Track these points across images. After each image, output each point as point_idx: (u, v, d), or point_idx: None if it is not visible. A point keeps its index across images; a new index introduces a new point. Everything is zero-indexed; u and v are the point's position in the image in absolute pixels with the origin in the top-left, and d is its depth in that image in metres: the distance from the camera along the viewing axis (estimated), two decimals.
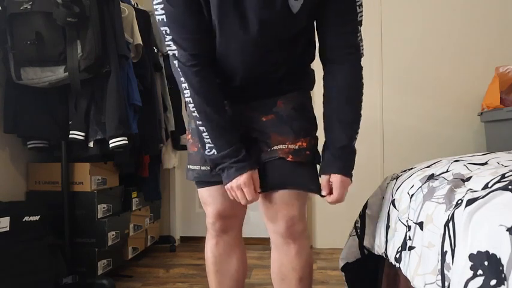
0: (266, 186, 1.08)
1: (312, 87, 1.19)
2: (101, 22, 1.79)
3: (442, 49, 2.67)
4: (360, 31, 1.05)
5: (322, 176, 1.09)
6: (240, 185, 1.03)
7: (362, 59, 1.07)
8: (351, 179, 1.09)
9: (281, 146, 1.06)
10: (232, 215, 1.20)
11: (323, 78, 1.11)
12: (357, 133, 1.08)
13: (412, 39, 2.69)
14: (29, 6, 1.69)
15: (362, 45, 1.06)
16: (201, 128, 1.04)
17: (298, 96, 1.12)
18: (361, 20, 1.04)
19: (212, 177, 1.13)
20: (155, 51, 2.35)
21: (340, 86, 1.06)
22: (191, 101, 1.03)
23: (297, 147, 1.07)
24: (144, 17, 2.28)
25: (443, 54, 2.66)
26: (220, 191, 1.14)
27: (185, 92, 1.03)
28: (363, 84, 1.08)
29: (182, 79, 1.02)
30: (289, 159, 1.06)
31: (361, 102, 1.08)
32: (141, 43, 2.10)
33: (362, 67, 1.08)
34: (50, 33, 1.71)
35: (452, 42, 2.66)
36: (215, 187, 1.15)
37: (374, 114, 2.66)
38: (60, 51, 1.72)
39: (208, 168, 1.11)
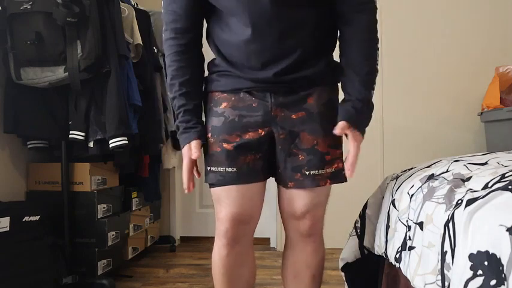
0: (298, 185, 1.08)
1: (338, 80, 1.14)
2: (100, 22, 1.79)
3: (442, 49, 2.67)
4: None
5: (340, 122, 1.04)
6: (186, 153, 1.07)
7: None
8: (363, 136, 1.08)
9: (320, 171, 1.06)
10: (247, 220, 1.12)
11: (340, 34, 1.08)
12: (375, 84, 1.07)
13: (412, 39, 2.69)
14: (29, 6, 1.69)
15: None
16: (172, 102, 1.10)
17: (328, 91, 1.10)
18: None
19: (238, 179, 1.07)
20: (155, 51, 2.35)
21: (358, 40, 1.04)
22: (168, 67, 1.09)
23: (334, 170, 1.08)
24: (144, 17, 2.28)
25: (443, 54, 2.66)
26: (241, 191, 1.08)
27: (166, 60, 1.10)
28: (378, 38, 1.07)
29: (165, 46, 1.09)
30: (327, 184, 1.08)
31: (378, 55, 1.07)
32: (141, 43, 2.10)
33: (377, 20, 1.06)
34: (50, 33, 1.71)
35: (452, 42, 2.66)
36: (237, 186, 1.08)
37: (374, 114, 2.65)
38: (60, 51, 1.72)
39: (235, 169, 1.06)
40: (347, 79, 1.06)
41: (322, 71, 1.07)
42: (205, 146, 1.11)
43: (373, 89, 1.07)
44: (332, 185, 1.10)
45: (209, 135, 1.10)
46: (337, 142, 1.10)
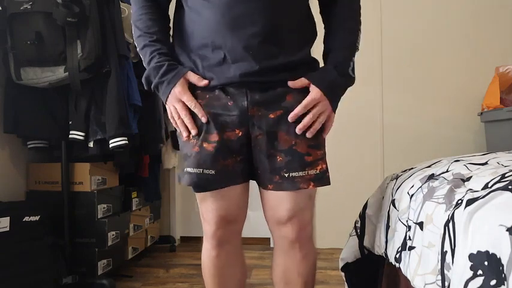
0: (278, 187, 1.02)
1: None
2: (100, 22, 1.79)
3: (442, 49, 2.67)
4: None
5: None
6: (177, 97, 0.98)
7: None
8: (334, 112, 1.03)
9: (301, 173, 0.99)
10: (234, 220, 1.09)
11: (320, 13, 1.10)
12: (353, 58, 1.04)
13: (412, 39, 2.69)
14: (29, 6, 1.69)
15: None
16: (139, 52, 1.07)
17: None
18: None
19: (216, 183, 1.01)
20: None
21: (341, 17, 1.05)
22: (135, 21, 1.06)
23: (317, 171, 1.00)
24: None
25: (443, 54, 2.66)
26: (223, 193, 1.03)
27: (132, 17, 1.08)
28: (360, 15, 1.07)
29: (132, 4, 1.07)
30: (311, 187, 1.00)
31: (359, 34, 1.06)
32: None
33: (360, 6, 1.07)
34: (50, 33, 1.71)
35: (452, 42, 2.66)
36: (218, 190, 1.03)
37: (374, 115, 2.66)
38: (60, 51, 1.72)
39: (213, 172, 0.99)
40: (327, 48, 1.06)
41: (302, 61, 1.03)
42: (180, 141, 1.06)
43: (353, 63, 1.05)
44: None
45: (190, 136, 1.03)
46: (319, 142, 1.02)
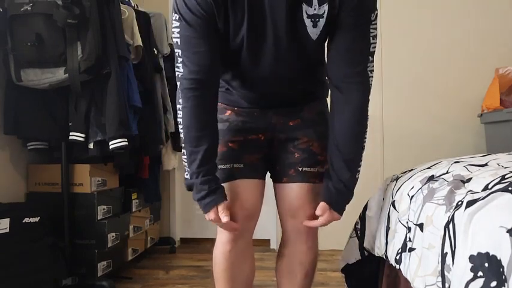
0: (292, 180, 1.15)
1: (327, 95, 1.23)
2: (101, 23, 1.79)
3: (442, 50, 2.67)
4: (372, 62, 1.03)
5: (321, 203, 1.08)
6: (211, 220, 1.05)
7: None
8: (341, 215, 1.10)
9: (312, 169, 1.15)
10: (252, 215, 1.17)
11: (331, 101, 1.10)
12: (359, 167, 1.08)
13: (412, 40, 2.69)
14: (29, 8, 1.70)
15: (372, 77, 1.04)
16: (183, 151, 1.07)
17: (319, 104, 1.21)
18: (374, 52, 1.02)
19: (246, 174, 1.13)
20: (155, 52, 2.35)
21: (347, 120, 1.05)
22: (180, 122, 1.05)
23: (324, 170, 1.14)
24: (145, 19, 2.28)
25: (443, 56, 2.67)
26: (247, 185, 1.13)
27: (178, 112, 1.06)
28: (367, 119, 1.09)
29: (180, 100, 1.04)
30: (317, 181, 1.15)
31: (365, 137, 1.09)
32: (141, 44, 2.10)
33: (369, 100, 1.08)
34: (50, 34, 1.71)
35: (452, 43, 2.66)
36: (244, 180, 1.13)
37: (374, 115, 2.65)
38: (60, 52, 1.72)
39: (242, 165, 1.13)
40: (333, 155, 1.07)
41: (315, 93, 1.21)
42: None
43: (358, 172, 1.08)
44: None
45: None
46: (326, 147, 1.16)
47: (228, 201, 1.07)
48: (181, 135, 1.06)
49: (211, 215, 1.04)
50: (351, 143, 1.06)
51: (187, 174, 1.07)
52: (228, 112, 1.17)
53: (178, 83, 1.04)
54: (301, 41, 1.01)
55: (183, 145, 1.07)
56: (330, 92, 1.12)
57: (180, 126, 1.07)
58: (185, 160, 1.07)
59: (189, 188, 1.08)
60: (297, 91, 1.16)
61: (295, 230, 1.19)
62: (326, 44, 1.07)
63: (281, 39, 0.99)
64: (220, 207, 1.04)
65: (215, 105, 1.09)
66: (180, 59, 1.01)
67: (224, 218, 1.03)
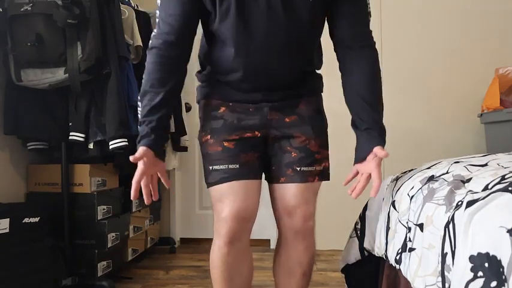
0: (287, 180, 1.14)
1: (322, 91, 1.26)
2: (101, 24, 1.79)
3: (442, 50, 2.67)
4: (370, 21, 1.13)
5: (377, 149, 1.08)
6: (136, 157, 1.04)
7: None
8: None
9: (310, 168, 1.15)
10: (249, 217, 1.14)
11: (343, 67, 1.14)
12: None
13: (412, 40, 2.69)
14: (29, 8, 1.70)
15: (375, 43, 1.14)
16: (138, 103, 1.10)
17: (315, 101, 1.21)
18: (370, 12, 1.12)
19: (241, 175, 1.11)
20: None
21: (366, 72, 1.11)
22: (148, 72, 1.08)
23: (322, 168, 1.17)
24: (145, 19, 2.28)
25: (443, 56, 2.67)
26: (244, 186, 1.11)
27: (147, 63, 1.09)
28: (380, 70, 1.14)
29: (150, 52, 1.08)
30: (316, 180, 1.16)
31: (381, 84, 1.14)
32: (142, 44, 2.10)
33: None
34: (50, 34, 1.71)
35: (452, 43, 2.66)
36: (239, 182, 1.11)
37: None
38: (60, 52, 1.72)
39: (237, 165, 1.11)
40: (361, 108, 1.11)
41: (310, 87, 1.20)
42: (204, 146, 1.15)
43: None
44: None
45: (208, 137, 1.15)
46: (326, 143, 1.20)
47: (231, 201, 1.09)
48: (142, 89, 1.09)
49: (136, 154, 1.03)
50: (376, 92, 1.11)
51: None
52: (222, 109, 1.14)
53: (149, 42, 1.08)
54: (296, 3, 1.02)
55: (140, 98, 1.09)
56: (339, 56, 1.14)
57: (146, 84, 1.09)
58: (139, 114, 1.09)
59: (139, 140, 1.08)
60: (294, 70, 1.13)
61: (292, 229, 1.18)
62: (327, 20, 1.13)
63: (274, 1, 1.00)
64: (144, 150, 1.03)
65: (179, 75, 1.10)
66: (157, 20, 1.07)
67: (136, 159, 1.02)
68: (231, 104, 1.14)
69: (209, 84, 1.19)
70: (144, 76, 1.09)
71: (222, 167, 1.11)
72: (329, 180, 1.21)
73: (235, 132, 1.12)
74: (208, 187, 1.15)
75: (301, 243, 1.19)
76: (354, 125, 1.14)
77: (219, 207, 1.13)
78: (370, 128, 1.09)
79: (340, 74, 1.15)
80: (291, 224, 1.17)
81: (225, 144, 1.12)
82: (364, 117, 1.09)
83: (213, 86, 1.17)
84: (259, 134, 1.14)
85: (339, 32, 1.11)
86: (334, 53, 1.16)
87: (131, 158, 1.03)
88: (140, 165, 1.04)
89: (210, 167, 1.13)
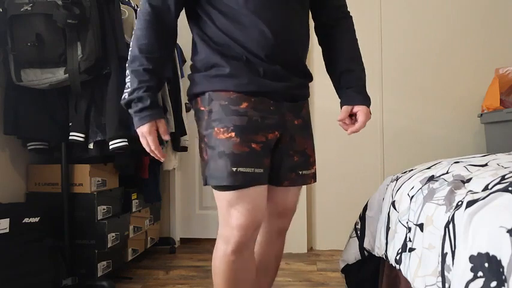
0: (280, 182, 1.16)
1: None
2: (101, 24, 1.79)
3: (442, 50, 2.67)
4: None
5: (344, 106, 1.20)
6: (143, 133, 1.05)
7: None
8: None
9: (308, 171, 1.19)
10: (258, 226, 1.09)
11: (323, 41, 1.26)
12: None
13: (412, 40, 2.69)
14: (29, 8, 1.70)
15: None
16: (126, 71, 1.07)
17: (308, 104, 1.25)
18: None
19: (264, 179, 1.06)
20: None
21: (351, 40, 1.23)
22: (138, 37, 1.05)
23: (314, 170, 1.22)
24: None
25: (443, 56, 2.67)
26: (262, 192, 1.06)
27: (136, 26, 1.07)
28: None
29: (140, 15, 1.06)
30: (312, 182, 1.22)
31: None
32: None
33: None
34: (50, 34, 1.71)
35: (452, 43, 2.66)
36: (261, 187, 1.06)
37: (374, 116, 2.66)
38: (60, 52, 1.72)
39: (262, 170, 1.04)
40: (347, 67, 1.21)
41: (308, 88, 1.23)
42: (224, 143, 1.05)
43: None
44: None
45: (232, 134, 1.03)
46: (314, 146, 1.25)
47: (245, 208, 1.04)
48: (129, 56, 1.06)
49: (144, 128, 1.04)
50: (358, 54, 1.23)
51: (126, 92, 1.06)
52: (245, 104, 1.05)
53: (138, 10, 1.08)
54: None
55: (127, 66, 1.06)
56: (326, 30, 1.25)
57: (129, 53, 1.07)
58: (128, 80, 1.06)
59: (127, 104, 1.06)
60: (304, 31, 1.16)
61: (280, 229, 1.23)
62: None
63: None
64: (161, 123, 1.06)
65: (169, 39, 1.10)
66: None
67: (166, 136, 1.07)
68: (253, 99, 1.06)
69: (217, 70, 1.07)
70: (133, 41, 1.07)
71: (248, 170, 1.02)
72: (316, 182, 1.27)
73: (261, 132, 1.05)
74: (222, 190, 1.05)
75: (279, 240, 1.26)
76: (342, 80, 1.21)
77: (233, 214, 1.05)
78: (363, 86, 1.21)
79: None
80: (281, 224, 1.22)
81: (253, 145, 1.03)
82: (357, 73, 1.20)
83: (221, 71, 1.06)
84: (278, 134, 1.09)
85: (322, 13, 1.22)
86: None
87: (152, 144, 1.06)
88: (152, 135, 1.06)
89: (234, 169, 1.01)
